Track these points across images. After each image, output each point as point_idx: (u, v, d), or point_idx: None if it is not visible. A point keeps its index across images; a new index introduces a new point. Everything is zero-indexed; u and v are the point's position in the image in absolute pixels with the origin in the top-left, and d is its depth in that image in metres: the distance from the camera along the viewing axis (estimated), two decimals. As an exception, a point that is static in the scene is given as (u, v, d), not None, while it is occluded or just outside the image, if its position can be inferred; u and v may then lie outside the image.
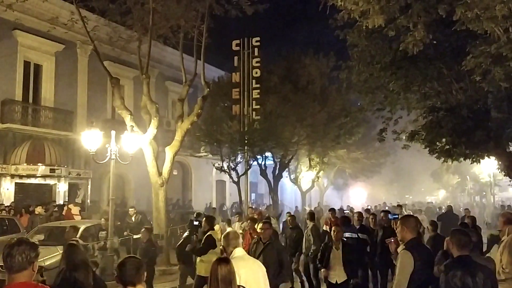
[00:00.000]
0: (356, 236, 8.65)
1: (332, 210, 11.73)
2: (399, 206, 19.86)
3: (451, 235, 4.02)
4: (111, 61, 20.45)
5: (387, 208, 21.70)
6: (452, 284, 3.70)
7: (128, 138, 11.37)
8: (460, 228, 4.45)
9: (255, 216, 10.40)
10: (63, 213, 16.22)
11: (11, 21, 18.27)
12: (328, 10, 9.21)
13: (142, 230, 8.79)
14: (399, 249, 4.43)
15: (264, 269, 4.28)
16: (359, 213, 10.57)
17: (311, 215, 10.03)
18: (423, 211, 21.67)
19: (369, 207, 23.46)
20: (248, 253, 5.58)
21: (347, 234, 8.25)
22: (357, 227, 9.20)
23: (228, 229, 8.24)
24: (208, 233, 7.80)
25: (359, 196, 43.43)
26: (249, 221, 9.55)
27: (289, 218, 10.04)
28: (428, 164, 38.48)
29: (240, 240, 4.41)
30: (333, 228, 7.12)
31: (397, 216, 7.23)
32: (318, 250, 8.67)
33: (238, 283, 3.57)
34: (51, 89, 20.49)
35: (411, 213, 15.73)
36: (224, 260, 3.38)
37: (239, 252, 4.20)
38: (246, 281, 3.87)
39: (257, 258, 5.47)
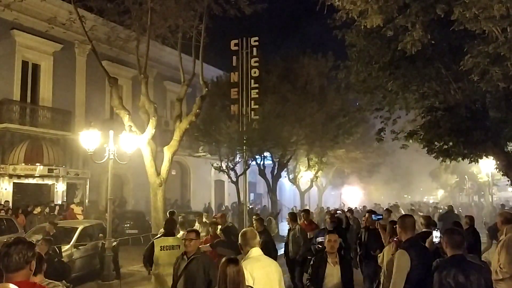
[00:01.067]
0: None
1: (305, 211, 10.71)
2: (396, 205, 19.86)
3: (445, 235, 4.02)
4: (109, 60, 20.43)
5: (386, 207, 21.44)
6: (446, 283, 3.71)
7: (126, 138, 11.34)
8: (453, 228, 4.46)
9: (218, 220, 9.42)
10: (66, 213, 16.27)
11: (9, 21, 18.24)
12: (325, 9, 9.20)
13: (39, 242, 7.17)
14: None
15: (280, 270, 4.11)
16: (331, 215, 10.34)
17: (293, 216, 9.42)
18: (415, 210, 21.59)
19: (354, 208, 22.08)
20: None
21: (319, 239, 7.96)
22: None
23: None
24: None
25: (357, 196, 43.48)
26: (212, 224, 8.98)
27: (255, 222, 8.75)
28: (426, 164, 38.49)
29: (258, 239, 4.23)
30: (327, 237, 5.52)
31: (381, 217, 7.15)
32: (306, 253, 8.49)
33: (251, 285, 3.53)
34: (49, 89, 20.46)
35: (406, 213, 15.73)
36: (233, 260, 3.32)
37: (255, 252, 4.05)
38: (259, 283, 3.76)
39: (179, 278, 5.09)
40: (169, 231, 6.62)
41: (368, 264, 7.75)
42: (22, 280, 2.73)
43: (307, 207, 22.42)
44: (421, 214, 15.65)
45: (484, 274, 3.82)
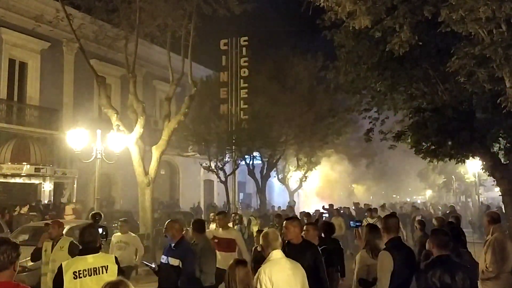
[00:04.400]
0: None
1: (278, 216, 10.31)
2: (383, 205, 19.87)
3: (431, 235, 4.05)
4: (98, 59, 20.25)
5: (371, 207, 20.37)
6: (431, 283, 3.73)
7: (114, 137, 11.26)
8: (440, 228, 4.50)
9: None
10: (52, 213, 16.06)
11: (-4, 19, 18.01)
12: (310, 10, 9.23)
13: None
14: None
15: (304, 274, 3.96)
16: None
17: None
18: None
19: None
20: None
21: None
22: None
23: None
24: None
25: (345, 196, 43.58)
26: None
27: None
28: (415, 164, 38.79)
29: (280, 241, 4.12)
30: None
31: (359, 224, 6.77)
32: None
33: None
34: (36, 87, 20.23)
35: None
36: (242, 262, 3.32)
37: (276, 255, 3.91)
38: (277, 286, 3.66)
39: None
40: (88, 246, 4.17)
41: None
42: (5, 280, 2.72)
43: (295, 208, 22.45)
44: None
45: (470, 274, 3.85)
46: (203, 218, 16.31)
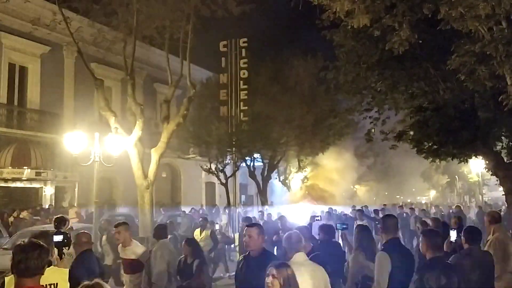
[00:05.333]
0: None
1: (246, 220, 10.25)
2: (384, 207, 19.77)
3: (423, 237, 3.95)
4: (98, 62, 20.24)
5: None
6: (428, 287, 3.63)
7: (112, 140, 11.18)
8: (432, 229, 4.41)
9: None
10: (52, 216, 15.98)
11: (-5, 23, 18.01)
12: (300, 6, 9.16)
13: None
14: None
15: (327, 278, 3.89)
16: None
17: None
18: None
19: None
20: None
21: None
22: None
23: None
24: None
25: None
26: None
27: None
28: (418, 164, 38.65)
29: (303, 243, 4.11)
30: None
31: (346, 227, 6.55)
32: None
33: None
34: (36, 91, 20.21)
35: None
36: (284, 265, 3.24)
37: (300, 257, 3.85)
38: None
39: None
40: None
41: None
42: (34, 285, 2.72)
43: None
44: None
45: (463, 277, 3.75)
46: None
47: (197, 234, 10.79)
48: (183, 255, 6.14)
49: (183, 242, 6.32)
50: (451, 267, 3.75)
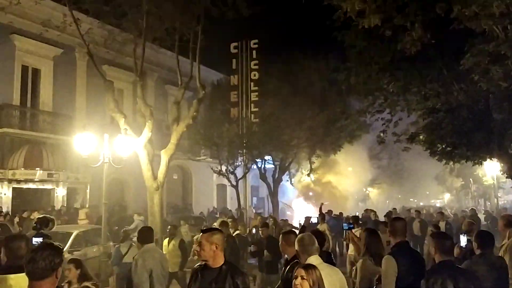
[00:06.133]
0: None
1: (223, 225, 9.05)
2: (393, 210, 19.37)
3: (433, 240, 3.81)
4: (110, 65, 20.34)
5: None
6: None
7: (121, 142, 11.18)
8: (442, 232, 4.26)
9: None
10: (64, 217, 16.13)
11: (8, 25, 18.17)
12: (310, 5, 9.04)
13: None
14: None
15: (345, 280, 3.81)
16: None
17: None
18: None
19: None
20: None
21: None
22: None
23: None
24: None
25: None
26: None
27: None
28: (432, 167, 38.16)
29: (317, 246, 3.92)
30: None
31: (352, 226, 6.43)
32: None
33: None
34: (49, 93, 20.39)
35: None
36: (312, 266, 3.16)
37: (314, 260, 3.68)
38: None
39: None
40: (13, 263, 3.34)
41: None
42: None
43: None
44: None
45: (474, 281, 3.61)
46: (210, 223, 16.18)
47: (165, 244, 9.33)
48: None
49: None
50: (461, 272, 3.61)
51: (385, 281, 3.95)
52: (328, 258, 5.12)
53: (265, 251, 7.85)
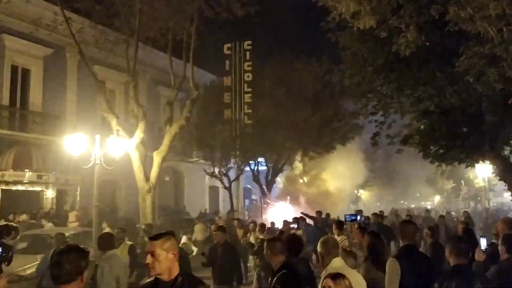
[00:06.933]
0: None
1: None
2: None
3: (449, 243, 3.74)
4: (101, 65, 20.13)
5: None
6: None
7: (113, 143, 11.04)
8: (459, 236, 4.18)
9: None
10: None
11: (-1, 25, 17.96)
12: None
13: None
14: None
15: (365, 285, 3.78)
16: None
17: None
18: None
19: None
20: None
21: None
22: None
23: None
24: None
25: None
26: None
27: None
28: (423, 169, 38.34)
29: (340, 249, 3.90)
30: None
31: (355, 218, 6.30)
32: None
33: None
34: (39, 93, 20.09)
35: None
36: (340, 275, 3.02)
37: (337, 263, 3.67)
38: None
39: None
40: None
41: None
42: None
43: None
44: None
45: (488, 285, 3.55)
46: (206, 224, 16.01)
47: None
48: None
49: None
50: (476, 276, 3.54)
51: (388, 285, 3.88)
52: (305, 265, 5.09)
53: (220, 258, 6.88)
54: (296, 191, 28.59)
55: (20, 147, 18.21)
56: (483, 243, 4.82)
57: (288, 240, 4.87)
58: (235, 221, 12.36)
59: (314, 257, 7.44)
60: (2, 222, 14.78)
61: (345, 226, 7.52)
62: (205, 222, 17.02)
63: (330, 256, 3.73)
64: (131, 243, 8.70)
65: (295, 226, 9.63)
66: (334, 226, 7.30)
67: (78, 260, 2.54)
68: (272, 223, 13.68)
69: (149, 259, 2.86)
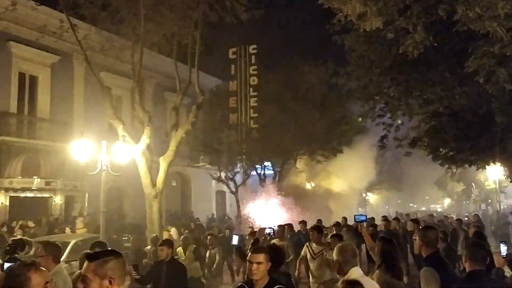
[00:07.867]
0: None
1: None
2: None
3: (466, 248, 3.59)
4: (108, 71, 20.18)
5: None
6: None
7: (119, 149, 11.00)
8: (477, 240, 4.00)
9: None
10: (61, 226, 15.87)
11: (5, 32, 18.05)
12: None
13: None
14: None
15: None
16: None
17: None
18: None
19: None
20: None
21: None
22: None
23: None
24: None
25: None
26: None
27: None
28: (432, 172, 37.94)
29: (359, 258, 3.71)
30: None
31: (364, 218, 6.24)
32: None
33: None
34: (47, 100, 20.20)
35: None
36: (355, 282, 2.91)
37: (356, 273, 3.51)
38: None
39: None
40: None
41: None
42: None
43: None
44: None
45: None
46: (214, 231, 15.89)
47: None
48: None
49: None
50: (492, 283, 3.40)
51: None
52: (287, 280, 4.63)
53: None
54: (303, 195, 28.46)
55: (28, 154, 18.28)
56: (503, 249, 4.66)
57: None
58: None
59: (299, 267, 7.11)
60: (5, 229, 14.86)
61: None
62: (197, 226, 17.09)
63: (348, 265, 3.54)
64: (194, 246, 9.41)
65: (271, 232, 8.43)
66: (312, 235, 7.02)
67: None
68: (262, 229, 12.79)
69: (79, 285, 2.26)
